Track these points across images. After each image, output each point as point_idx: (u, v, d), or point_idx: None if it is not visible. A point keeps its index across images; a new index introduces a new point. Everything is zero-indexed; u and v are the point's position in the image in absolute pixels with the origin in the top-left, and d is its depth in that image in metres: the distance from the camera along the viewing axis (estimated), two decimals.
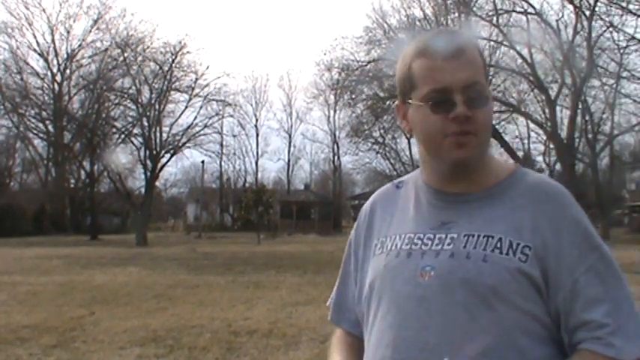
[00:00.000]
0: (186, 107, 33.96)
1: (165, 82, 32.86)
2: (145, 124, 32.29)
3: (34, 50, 39.79)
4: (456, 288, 1.11)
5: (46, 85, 39.17)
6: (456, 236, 1.15)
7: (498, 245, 1.11)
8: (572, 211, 1.15)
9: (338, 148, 49.49)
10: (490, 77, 22.24)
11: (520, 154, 35.32)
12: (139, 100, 32.65)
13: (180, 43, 32.94)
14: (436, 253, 1.15)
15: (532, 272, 1.09)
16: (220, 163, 48.76)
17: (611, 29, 24.90)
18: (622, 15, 24.18)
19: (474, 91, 1.13)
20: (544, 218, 1.13)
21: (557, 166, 33.45)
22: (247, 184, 48.57)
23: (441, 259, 1.14)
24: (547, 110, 28.83)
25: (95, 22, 38.48)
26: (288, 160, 52.81)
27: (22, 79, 36.84)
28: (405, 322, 1.15)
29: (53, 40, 40.03)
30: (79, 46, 39.64)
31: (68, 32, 40.13)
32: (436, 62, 1.14)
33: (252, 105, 51.71)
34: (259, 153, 52.16)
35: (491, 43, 27.34)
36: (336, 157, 50.35)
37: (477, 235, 1.14)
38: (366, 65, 32.55)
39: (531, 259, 1.10)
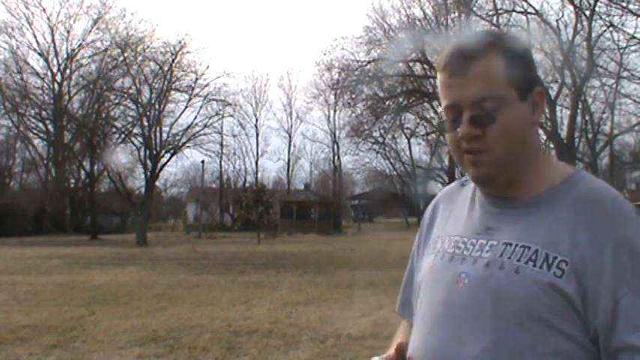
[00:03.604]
0: (186, 107, 34.00)
1: (165, 82, 32.86)
2: (145, 124, 32.30)
3: (34, 50, 39.94)
4: (486, 299, 1.07)
5: (46, 85, 39.25)
6: (496, 244, 1.11)
7: (533, 257, 1.06)
8: (620, 225, 1.05)
9: (338, 148, 49.56)
10: None
11: None
12: (139, 100, 32.65)
13: (180, 43, 33.00)
14: (474, 260, 1.12)
15: (567, 289, 1.02)
16: (220, 163, 48.78)
17: (611, 29, 24.89)
18: (622, 15, 24.17)
19: (483, 108, 1.09)
20: (586, 232, 1.05)
21: None
22: (247, 184, 48.55)
23: (477, 267, 1.11)
24: (547, 110, 28.82)
25: (95, 22, 38.61)
26: (288, 160, 52.86)
27: (22, 78, 36.94)
28: (434, 328, 1.13)
29: (53, 40, 40.15)
30: (79, 45, 39.77)
31: (68, 32, 40.26)
32: (446, 78, 1.13)
33: (252, 105, 51.77)
34: (259, 153, 52.18)
35: None
36: (336, 157, 50.41)
37: (514, 244, 1.09)
38: (366, 65, 32.55)
39: (567, 275, 1.03)
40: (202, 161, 41.77)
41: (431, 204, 1.37)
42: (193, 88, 33.82)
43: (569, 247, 1.04)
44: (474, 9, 27.00)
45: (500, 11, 26.60)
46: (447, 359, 1.09)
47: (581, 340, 1.03)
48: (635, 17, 23.92)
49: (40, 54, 39.91)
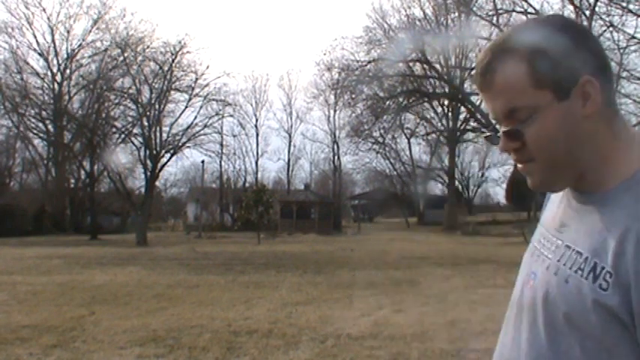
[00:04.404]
0: (186, 107, 33.94)
1: (165, 82, 32.83)
2: (145, 124, 32.26)
3: (34, 50, 39.93)
4: (539, 306, 1.02)
5: (46, 85, 39.25)
6: (560, 244, 1.05)
7: (582, 266, 0.97)
8: None
9: (338, 148, 49.58)
10: None
11: None
12: (139, 100, 32.63)
13: (180, 43, 32.93)
14: (543, 260, 1.07)
15: (612, 303, 0.92)
16: (220, 163, 48.71)
17: (611, 29, 24.91)
18: (622, 15, 24.20)
19: (516, 120, 1.01)
20: (633, 240, 0.92)
21: None
22: (247, 184, 48.54)
23: (542, 269, 1.05)
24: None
25: (95, 22, 38.65)
26: (288, 160, 52.81)
27: (22, 78, 36.95)
28: (507, 329, 1.11)
29: (53, 40, 40.14)
30: (79, 45, 39.78)
31: (68, 32, 40.27)
32: (480, 92, 1.07)
33: (252, 105, 51.71)
34: (259, 153, 52.13)
35: None
36: (336, 157, 50.43)
37: (572, 248, 1.01)
38: (366, 65, 32.57)
39: (612, 288, 0.93)
40: (202, 161, 41.76)
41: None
42: (193, 88, 33.82)
43: (615, 256, 0.93)
44: (474, 9, 27.02)
45: (500, 11, 26.62)
46: None
47: (634, 357, 0.94)
48: (635, 17, 23.95)
49: (40, 54, 39.98)
